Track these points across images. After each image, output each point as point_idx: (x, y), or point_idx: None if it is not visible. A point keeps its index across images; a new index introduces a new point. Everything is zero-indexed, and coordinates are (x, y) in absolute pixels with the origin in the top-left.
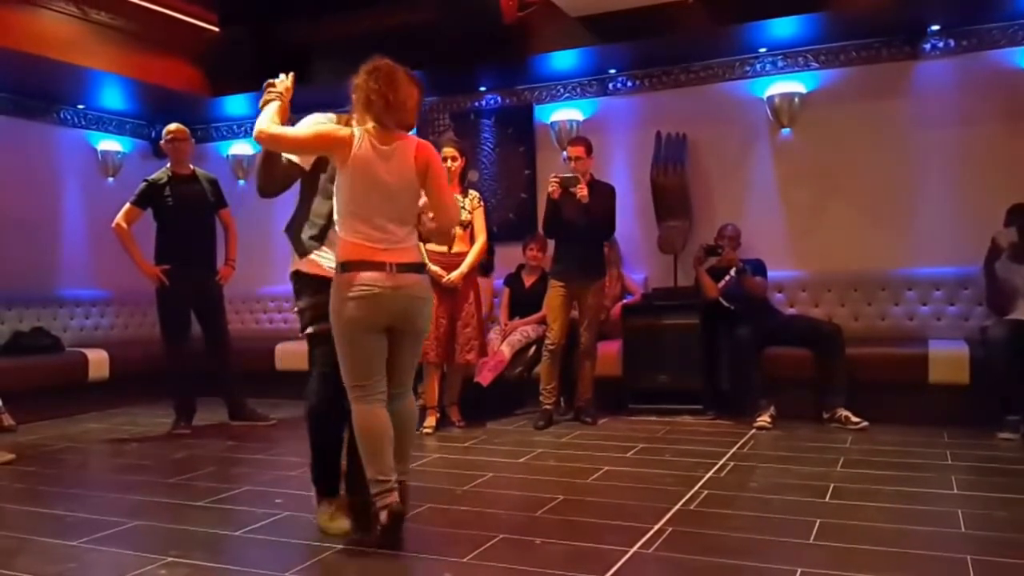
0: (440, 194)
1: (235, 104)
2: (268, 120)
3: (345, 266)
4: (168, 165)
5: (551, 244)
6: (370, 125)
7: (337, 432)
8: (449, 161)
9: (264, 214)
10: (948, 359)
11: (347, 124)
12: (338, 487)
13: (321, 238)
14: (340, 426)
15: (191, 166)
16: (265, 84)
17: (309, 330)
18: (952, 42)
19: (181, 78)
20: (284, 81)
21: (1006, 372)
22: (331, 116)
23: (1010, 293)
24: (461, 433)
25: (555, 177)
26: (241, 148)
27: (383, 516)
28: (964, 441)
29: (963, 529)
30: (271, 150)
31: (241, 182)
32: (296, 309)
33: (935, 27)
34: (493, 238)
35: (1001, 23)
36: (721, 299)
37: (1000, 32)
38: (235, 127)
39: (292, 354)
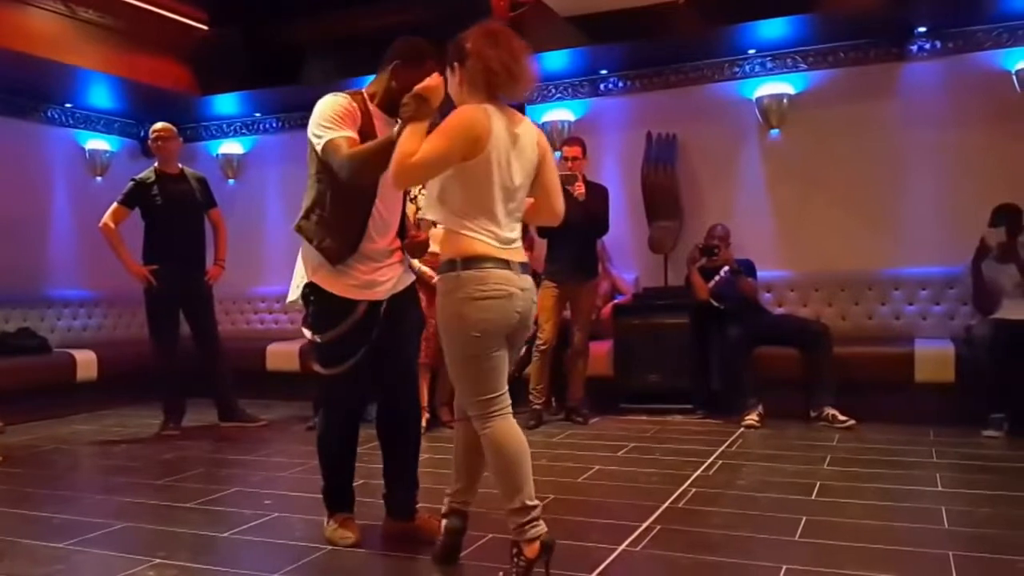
0: (558, 187)
1: (224, 103)
2: (409, 146)
3: (469, 262)
4: (156, 164)
5: (540, 243)
6: (487, 105)
7: (350, 458)
8: None
9: (255, 214)
10: (934, 358)
11: (360, 102)
12: (348, 504)
13: (355, 246)
14: (353, 452)
15: (179, 165)
16: (413, 94)
17: (331, 370)
18: (939, 44)
19: (170, 77)
20: (427, 85)
21: (991, 371)
22: (343, 96)
23: (995, 293)
24: (451, 434)
25: None
26: (231, 147)
27: (530, 549)
28: (949, 439)
29: (947, 526)
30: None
31: (231, 181)
32: (312, 336)
33: (922, 29)
34: None
35: (986, 25)
36: (711, 299)
37: (985, 34)
38: (224, 126)
39: (283, 355)
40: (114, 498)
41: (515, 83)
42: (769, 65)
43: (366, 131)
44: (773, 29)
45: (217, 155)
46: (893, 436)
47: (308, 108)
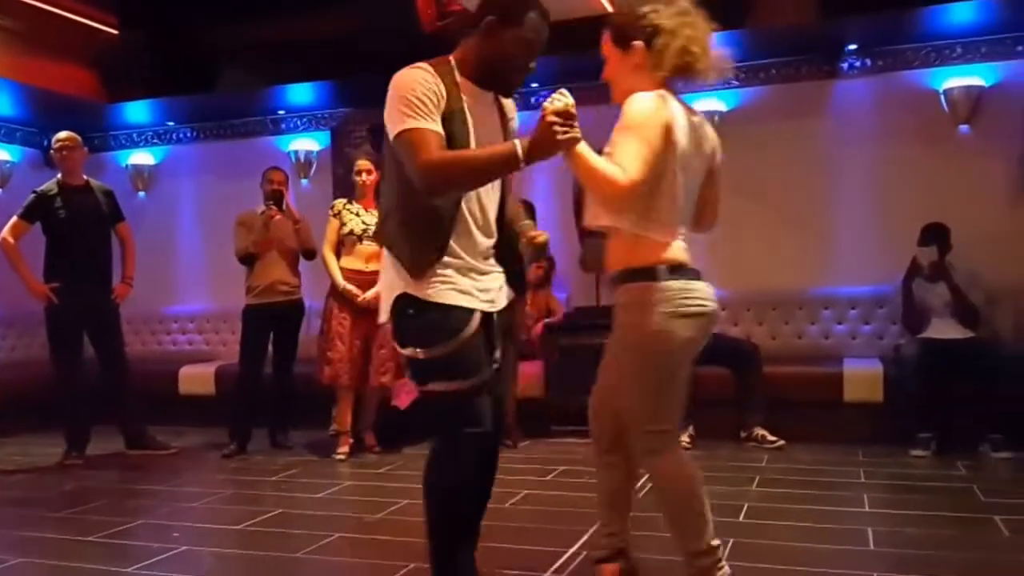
0: (720, 192)
1: (135, 111)
2: (604, 168)
3: (669, 271)
4: (59, 176)
5: None
6: (661, 91)
7: (474, 515)
8: (364, 175)
9: (167, 228)
10: (863, 377)
11: (445, 72)
12: None
13: (443, 250)
14: (479, 506)
15: (84, 177)
16: (544, 121)
17: (455, 385)
18: (869, 62)
19: (75, 83)
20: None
21: (918, 390)
22: (424, 70)
23: (924, 312)
24: (376, 459)
25: None
26: (141, 158)
27: None
28: (878, 459)
29: (872, 547)
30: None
31: (141, 194)
32: (415, 352)
33: (853, 46)
34: None
35: (915, 44)
36: None
37: (914, 53)
38: (135, 135)
39: (197, 378)
40: (10, 532)
41: (708, 65)
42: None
43: (453, 106)
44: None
45: (127, 166)
46: (822, 456)
47: (225, 116)
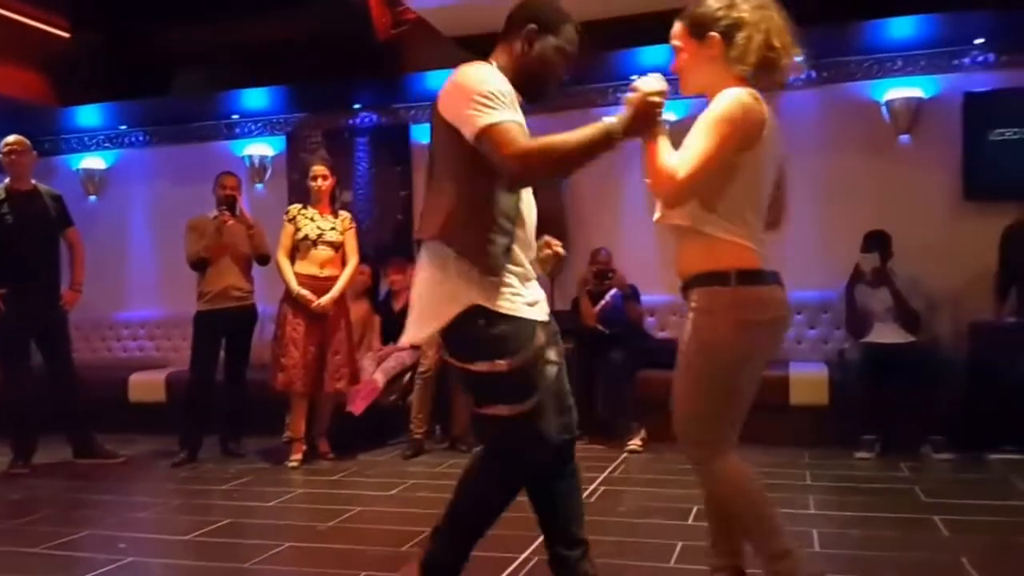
0: (787, 195)
1: (86, 115)
2: (670, 160)
3: (746, 276)
4: (6, 181)
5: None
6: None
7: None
8: (319, 180)
9: (119, 234)
10: (808, 381)
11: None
12: None
13: (509, 252)
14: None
15: (33, 181)
16: (645, 100)
17: (521, 407)
18: (814, 73)
19: (26, 86)
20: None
21: (862, 394)
22: (493, 67)
23: (867, 317)
24: (330, 466)
25: None
26: (93, 162)
27: None
28: (823, 461)
29: (817, 548)
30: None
31: (92, 198)
32: (493, 366)
33: (797, 59)
34: (368, 260)
35: (858, 57)
36: (597, 324)
37: (856, 65)
38: (86, 139)
39: (147, 385)
40: None
41: (788, 64)
42: None
43: None
44: (655, 56)
45: (78, 170)
46: (768, 458)
47: (178, 121)
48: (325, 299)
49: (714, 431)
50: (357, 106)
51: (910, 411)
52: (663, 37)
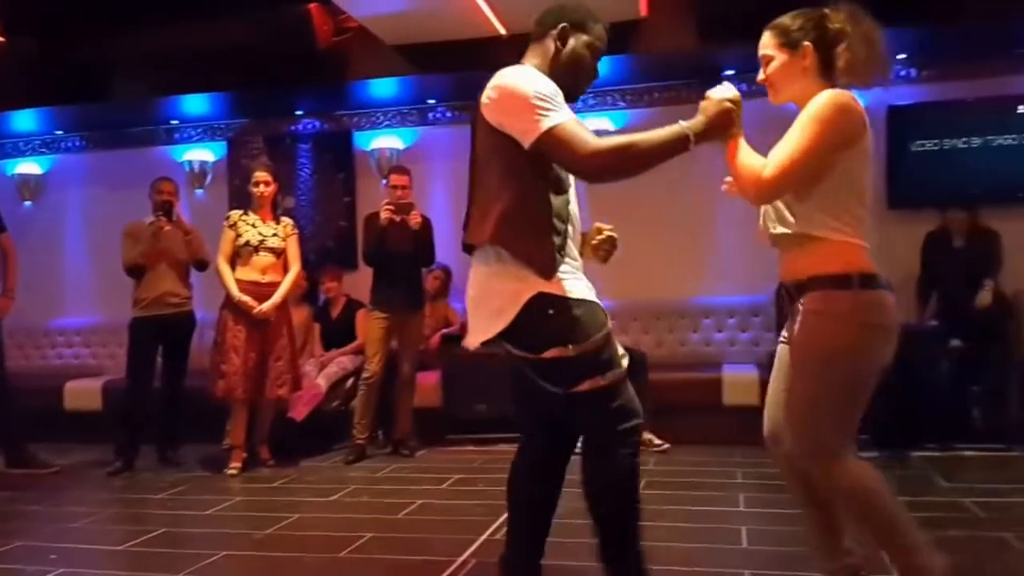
0: None
1: (21, 119)
2: (754, 160)
3: (867, 281)
4: None
5: (365, 272)
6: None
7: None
8: (261, 186)
9: (55, 240)
10: (740, 382)
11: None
12: None
13: (563, 251)
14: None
15: None
16: (721, 105)
17: (609, 377)
18: (745, 86)
19: None
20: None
21: None
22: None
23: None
24: (270, 473)
25: (389, 204)
26: (28, 167)
27: None
28: (754, 459)
29: (745, 545)
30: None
31: (28, 204)
32: (567, 349)
33: (730, 71)
34: (311, 266)
35: None
36: None
37: None
38: (21, 144)
39: (84, 393)
40: None
41: (877, 74)
42: (591, 102)
43: None
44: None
45: (13, 175)
46: (703, 458)
47: (116, 126)
48: (267, 305)
49: (838, 438)
50: (299, 112)
51: None
52: (609, 46)
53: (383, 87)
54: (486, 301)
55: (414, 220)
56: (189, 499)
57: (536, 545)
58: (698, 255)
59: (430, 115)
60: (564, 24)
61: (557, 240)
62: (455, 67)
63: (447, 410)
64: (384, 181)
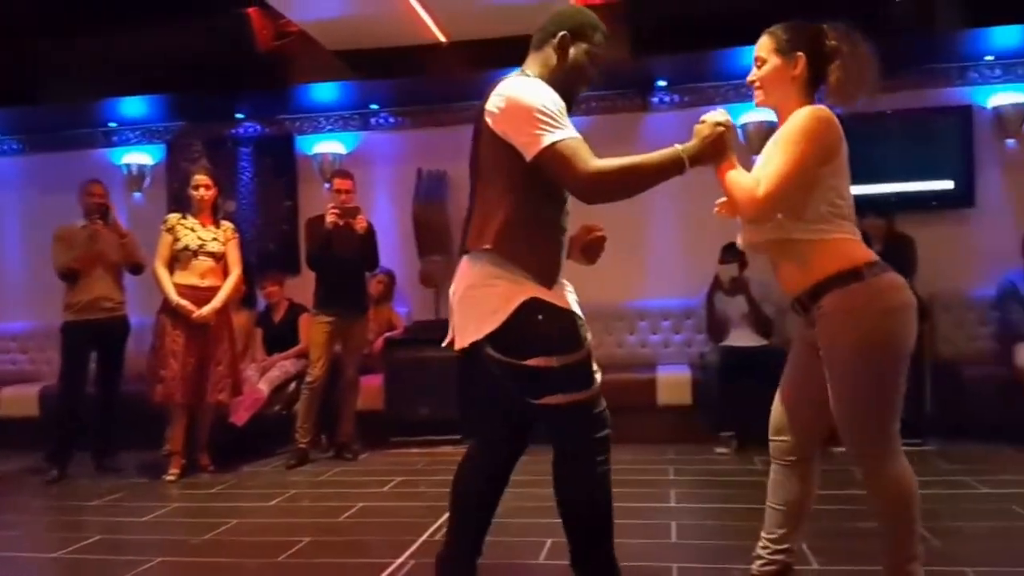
0: None
1: None
2: (746, 180)
3: (874, 266)
4: None
5: (308, 276)
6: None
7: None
8: (201, 190)
9: None
10: (673, 383)
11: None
12: None
13: (560, 260)
14: None
15: None
16: (715, 128)
17: (585, 393)
18: (676, 97)
19: None
20: (727, 116)
21: (720, 393)
22: (538, 80)
23: (725, 322)
24: (210, 479)
25: (335, 207)
26: None
27: None
28: (686, 457)
29: (674, 539)
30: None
31: None
32: (553, 360)
33: (662, 83)
34: (252, 270)
35: (715, 82)
36: None
37: (714, 91)
38: None
39: (19, 399)
40: None
41: (861, 95)
42: None
43: None
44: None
45: None
46: (638, 456)
47: (53, 129)
48: (206, 309)
49: (886, 430)
50: (240, 116)
51: (764, 409)
52: (522, 60)
53: (325, 92)
54: (478, 302)
55: (360, 224)
56: (126, 506)
57: (476, 545)
58: (635, 259)
59: (372, 120)
60: (564, 33)
61: (556, 249)
62: (397, 73)
63: (390, 413)
64: (327, 185)
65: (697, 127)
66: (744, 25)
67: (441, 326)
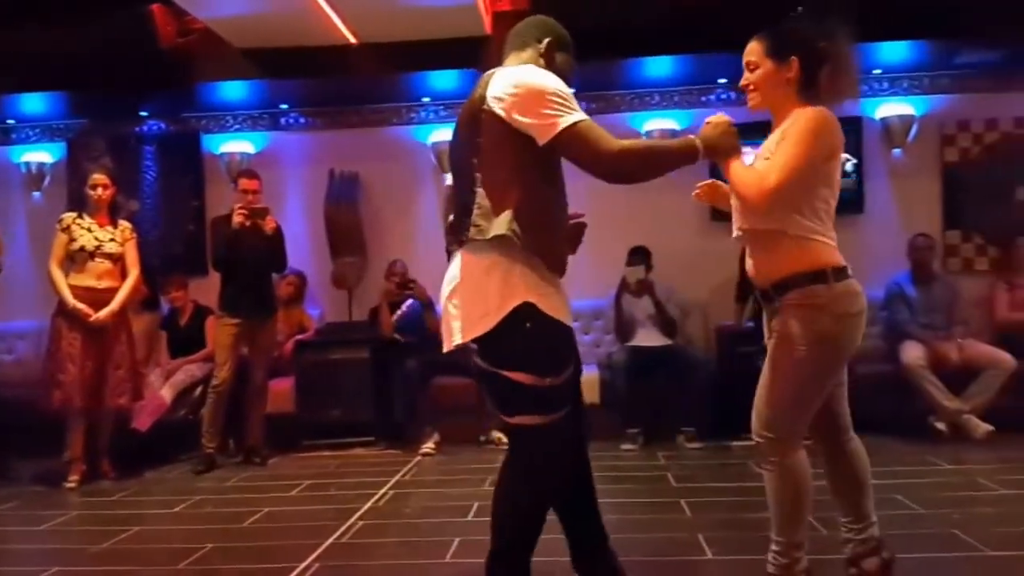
0: None
1: None
2: (753, 173)
3: (839, 274)
4: None
5: (215, 277)
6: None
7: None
8: (99, 189)
9: None
10: (583, 382)
11: None
12: None
13: (564, 250)
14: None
15: None
16: (723, 124)
17: (551, 416)
18: (584, 104)
19: None
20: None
21: (626, 391)
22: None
23: (631, 323)
24: (111, 485)
25: (242, 208)
26: None
27: None
28: (595, 453)
29: None
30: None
31: None
32: (536, 379)
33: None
34: (157, 271)
35: (621, 91)
36: (395, 333)
37: (621, 98)
38: None
39: None
40: None
41: (849, 96)
42: (443, 113)
43: None
44: (444, 80)
45: None
46: None
47: None
48: (104, 312)
49: (798, 423)
50: (144, 114)
51: (668, 406)
52: (447, 63)
53: (232, 90)
54: (474, 301)
55: (269, 225)
56: (21, 514)
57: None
58: None
59: (282, 120)
60: (551, 39)
61: (560, 237)
62: (307, 73)
63: (301, 416)
64: (234, 185)
65: (705, 127)
66: (647, 38)
67: (351, 327)
